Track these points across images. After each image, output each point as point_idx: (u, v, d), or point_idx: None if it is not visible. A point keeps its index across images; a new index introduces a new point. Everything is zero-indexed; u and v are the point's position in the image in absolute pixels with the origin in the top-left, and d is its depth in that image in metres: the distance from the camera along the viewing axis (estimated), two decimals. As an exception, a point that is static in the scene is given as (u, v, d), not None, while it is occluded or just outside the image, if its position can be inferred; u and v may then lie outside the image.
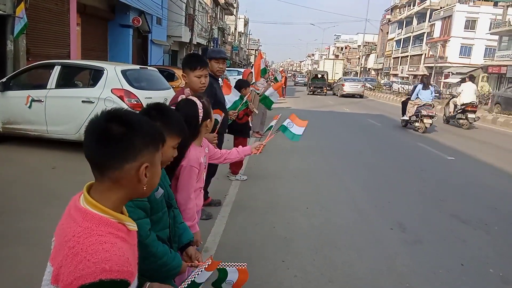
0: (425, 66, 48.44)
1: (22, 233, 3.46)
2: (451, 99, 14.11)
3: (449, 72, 42.09)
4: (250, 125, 6.18)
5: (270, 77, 11.14)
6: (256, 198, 4.95)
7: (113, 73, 6.15)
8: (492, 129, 14.27)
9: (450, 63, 42.58)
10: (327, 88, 29.81)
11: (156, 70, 7.57)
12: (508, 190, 6.20)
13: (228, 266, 1.50)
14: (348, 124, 13.53)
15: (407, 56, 54.10)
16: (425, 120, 11.29)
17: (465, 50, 43.01)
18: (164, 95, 6.92)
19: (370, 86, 33.44)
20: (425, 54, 48.61)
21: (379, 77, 62.52)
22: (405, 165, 7.48)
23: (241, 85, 5.27)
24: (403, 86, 39.54)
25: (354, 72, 73.81)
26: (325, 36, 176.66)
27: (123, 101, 6.02)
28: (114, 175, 0.99)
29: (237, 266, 1.50)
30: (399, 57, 57.56)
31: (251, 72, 7.63)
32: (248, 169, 6.24)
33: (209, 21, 35.17)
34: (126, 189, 1.02)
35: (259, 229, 3.99)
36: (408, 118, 12.05)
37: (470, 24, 42.15)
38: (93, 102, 6.03)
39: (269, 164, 6.87)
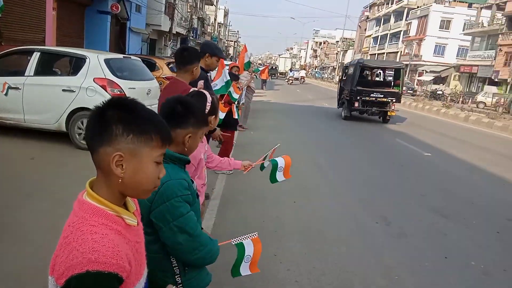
0: (400, 64, 49.47)
1: (5, 227, 3.32)
2: (300, 75, 41.76)
3: (423, 70, 43.22)
4: (235, 116, 6.12)
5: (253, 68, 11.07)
6: (243, 192, 4.96)
7: (95, 61, 5.95)
8: (462, 126, 14.85)
9: (424, 61, 43.72)
10: (278, 74, 47.63)
11: (140, 60, 7.38)
12: (481, 184, 6.48)
13: (241, 239, 1.58)
14: (328, 119, 13.68)
15: (384, 53, 55.12)
16: (290, 82, 37.54)
17: (439, 49, 44.26)
18: (147, 86, 6.78)
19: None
20: (401, 51, 49.68)
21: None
22: (385, 160, 7.66)
23: (233, 79, 5.22)
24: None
25: (332, 67, 74.66)
26: (304, 30, 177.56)
27: (106, 91, 5.84)
28: (94, 159, 0.95)
29: (250, 237, 1.58)
30: (375, 53, 58.56)
31: (236, 66, 7.57)
32: (233, 162, 6.22)
33: (189, 10, 34.56)
34: (108, 178, 0.95)
35: (249, 223, 4.00)
36: (287, 81, 38.19)
37: (445, 24, 43.35)
38: (74, 91, 5.82)
39: (254, 157, 6.87)
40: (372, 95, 12.58)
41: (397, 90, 13.09)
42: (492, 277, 3.36)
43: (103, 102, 0.96)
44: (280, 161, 2.43)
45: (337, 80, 24.21)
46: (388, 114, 12.92)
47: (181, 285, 1.51)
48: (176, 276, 1.52)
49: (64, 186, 4.35)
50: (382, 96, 12.65)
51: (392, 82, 14.11)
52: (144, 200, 1.37)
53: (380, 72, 15.72)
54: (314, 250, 3.49)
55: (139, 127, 0.94)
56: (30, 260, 2.85)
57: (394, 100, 12.72)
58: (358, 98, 12.53)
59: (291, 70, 43.55)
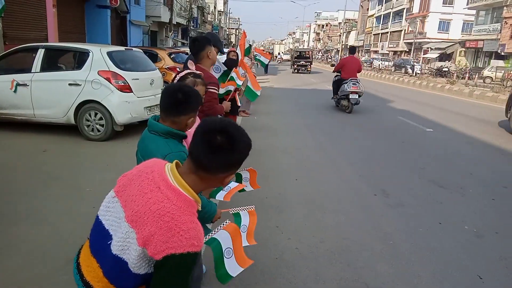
0: (404, 42, 48.87)
1: (25, 213, 3.57)
2: (284, 57, 55.48)
3: (428, 48, 42.66)
4: (239, 103, 6.27)
5: (255, 55, 11.14)
6: (247, 173, 5.15)
7: (98, 55, 6.15)
8: (466, 101, 14.82)
9: (429, 38, 43.10)
10: (274, 57, 55.22)
11: (141, 51, 7.55)
12: (481, 156, 6.59)
13: (239, 210, 1.76)
14: (331, 101, 13.75)
15: (387, 32, 54.41)
16: (279, 61, 52.70)
17: (444, 25, 43.56)
18: (150, 76, 6.96)
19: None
20: (405, 30, 48.98)
21: (359, 54, 62.76)
22: (386, 138, 7.79)
23: (232, 65, 5.36)
24: (383, 62, 39.94)
25: (336, 50, 73.88)
26: (306, 14, 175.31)
27: (111, 83, 6.06)
28: (206, 175, 1.22)
29: (247, 209, 1.77)
30: (379, 33, 57.83)
31: (234, 51, 7.66)
32: (237, 146, 6.41)
33: None
34: (207, 186, 1.27)
35: (252, 200, 4.19)
36: (277, 61, 53.09)
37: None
38: (80, 85, 6.04)
39: (258, 140, 7.06)
40: (300, 62, 30.16)
41: (310, 59, 30.89)
42: (484, 239, 3.53)
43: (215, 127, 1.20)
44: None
45: (290, 58, 42.13)
46: (308, 69, 29.93)
47: None
48: None
49: (77, 175, 4.60)
50: (304, 62, 30.17)
51: (309, 57, 31.45)
52: None
53: (304, 52, 32.44)
54: (314, 221, 3.70)
55: (242, 158, 1.30)
56: (49, 239, 3.10)
57: (309, 64, 30.20)
58: (295, 64, 30.23)
59: (279, 53, 59.79)
